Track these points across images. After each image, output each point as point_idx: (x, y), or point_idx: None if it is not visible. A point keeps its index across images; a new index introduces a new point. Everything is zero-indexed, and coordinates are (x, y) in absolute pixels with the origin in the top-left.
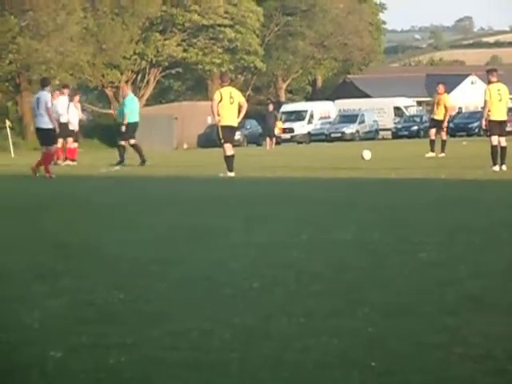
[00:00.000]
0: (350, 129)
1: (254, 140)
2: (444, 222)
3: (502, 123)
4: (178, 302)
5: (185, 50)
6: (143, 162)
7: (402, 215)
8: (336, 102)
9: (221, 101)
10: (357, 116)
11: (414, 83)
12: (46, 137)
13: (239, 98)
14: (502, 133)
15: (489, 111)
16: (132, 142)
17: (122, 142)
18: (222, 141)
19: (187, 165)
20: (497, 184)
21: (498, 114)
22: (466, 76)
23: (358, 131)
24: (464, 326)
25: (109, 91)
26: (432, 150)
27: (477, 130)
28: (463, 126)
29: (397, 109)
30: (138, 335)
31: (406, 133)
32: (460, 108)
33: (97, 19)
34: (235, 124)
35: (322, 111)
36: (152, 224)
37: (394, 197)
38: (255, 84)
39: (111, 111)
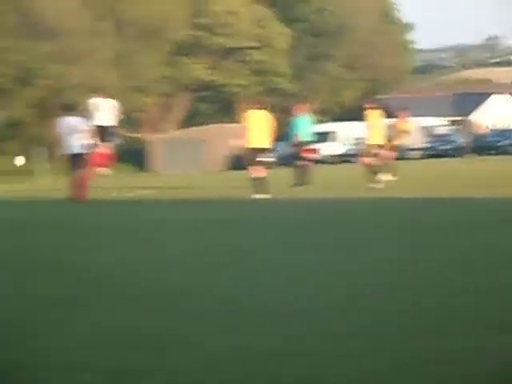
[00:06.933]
0: None
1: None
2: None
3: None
4: None
5: (212, 73)
6: (298, 184)
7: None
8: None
9: (251, 123)
10: None
11: (442, 102)
12: None
13: (268, 120)
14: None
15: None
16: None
17: (299, 163)
18: (249, 163)
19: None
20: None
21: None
22: (492, 94)
23: None
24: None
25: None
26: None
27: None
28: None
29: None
30: None
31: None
32: (487, 126)
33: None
34: (263, 146)
35: (349, 132)
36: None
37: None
38: (283, 105)
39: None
